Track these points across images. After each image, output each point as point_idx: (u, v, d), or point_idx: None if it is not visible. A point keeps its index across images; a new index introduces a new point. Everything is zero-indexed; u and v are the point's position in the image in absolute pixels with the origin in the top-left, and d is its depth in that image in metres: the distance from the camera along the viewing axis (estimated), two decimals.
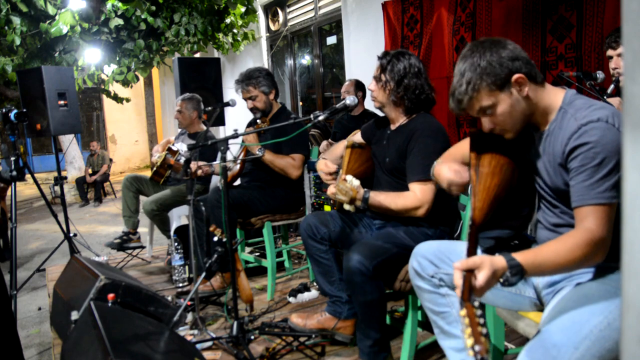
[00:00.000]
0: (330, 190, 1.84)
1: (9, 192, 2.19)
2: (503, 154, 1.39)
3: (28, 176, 3.11)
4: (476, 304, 0.97)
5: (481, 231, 1.32)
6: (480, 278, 1.09)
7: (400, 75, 1.92)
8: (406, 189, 1.88)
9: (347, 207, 1.75)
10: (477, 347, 0.87)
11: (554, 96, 1.30)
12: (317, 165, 2.13)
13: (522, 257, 1.13)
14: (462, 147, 1.60)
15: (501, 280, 1.12)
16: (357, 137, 2.26)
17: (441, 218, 1.96)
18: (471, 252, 1.20)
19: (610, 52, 2.08)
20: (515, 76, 1.24)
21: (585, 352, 1.06)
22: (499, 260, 1.13)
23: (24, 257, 4.91)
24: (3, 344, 1.95)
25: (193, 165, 2.91)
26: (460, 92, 1.28)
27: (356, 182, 1.72)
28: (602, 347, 1.08)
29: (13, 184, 2.31)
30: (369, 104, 3.93)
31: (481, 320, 0.92)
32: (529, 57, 1.29)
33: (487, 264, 1.10)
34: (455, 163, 1.52)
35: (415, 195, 1.83)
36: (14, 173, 2.06)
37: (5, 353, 1.95)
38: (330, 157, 2.24)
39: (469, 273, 1.09)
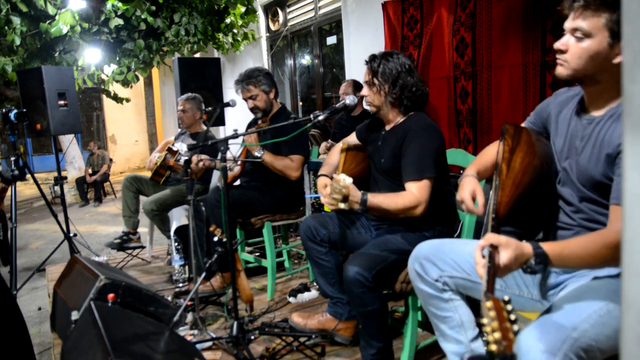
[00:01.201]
0: (325, 192, 1.82)
1: (8, 193, 2.19)
2: (537, 156, 1.36)
3: (28, 176, 3.11)
4: (506, 298, 0.87)
5: (502, 226, 1.30)
6: (504, 256, 1.07)
7: (394, 75, 1.91)
8: (403, 189, 1.87)
9: (341, 205, 1.73)
10: (504, 343, 0.77)
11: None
12: (318, 187, 2.12)
13: (549, 247, 1.12)
14: (493, 154, 1.56)
15: (524, 266, 1.11)
16: (352, 138, 2.26)
17: (438, 218, 1.95)
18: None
19: None
20: None
21: (582, 333, 1.06)
22: (525, 246, 1.11)
23: (24, 257, 4.91)
24: (16, 345, 1.97)
25: (194, 159, 2.91)
26: None
27: (349, 180, 1.70)
28: (600, 332, 1.07)
29: (14, 183, 2.31)
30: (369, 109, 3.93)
31: (512, 317, 0.82)
32: None
33: (513, 245, 1.09)
34: (479, 187, 1.49)
35: (413, 194, 1.82)
36: (16, 172, 2.07)
37: (17, 353, 1.97)
38: (328, 169, 2.19)
39: (494, 249, 1.07)
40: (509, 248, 1.08)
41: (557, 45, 1.22)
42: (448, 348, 1.56)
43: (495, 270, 1.04)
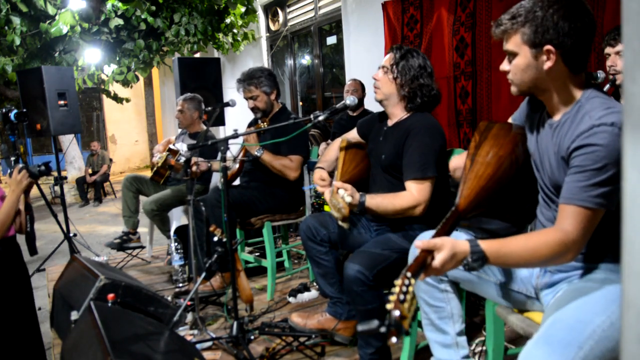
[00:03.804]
0: (326, 196, 1.82)
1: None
2: (504, 147, 1.37)
3: None
4: (413, 281, 0.99)
5: (462, 219, 1.33)
6: (437, 259, 1.12)
7: (416, 72, 1.92)
8: (402, 186, 1.87)
9: (341, 223, 1.69)
10: (395, 312, 0.90)
11: (577, 88, 1.25)
12: (314, 179, 2.11)
13: (486, 245, 1.16)
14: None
15: (463, 263, 1.15)
16: (352, 134, 2.25)
17: (439, 218, 1.95)
18: (441, 234, 1.23)
19: (608, 50, 2.07)
20: (548, 47, 1.18)
21: (589, 352, 1.06)
22: (462, 245, 1.15)
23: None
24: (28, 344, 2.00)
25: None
26: (503, 20, 1.25)
27: (348, 199, 1.67)
28: (605, 347, 1.08)
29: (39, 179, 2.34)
30: (368, 105, 3.93)
31: (404, 289, 0.95)
32: (594, 43, 1.22)
33: (448, 246, 1.13)
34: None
35: (412, 195, 1.82)
36: (42, 168, 2.10)
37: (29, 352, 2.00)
38: (326, 163, 2.20)
39: (426, 253, 1.12)
40: (443, 249, 1.13)
41: (500, 68, 1.32)
42: (433, 337, 1.59)
43: (419, 266, 1.08)
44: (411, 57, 1.93)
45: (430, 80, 1.95)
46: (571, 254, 1.16)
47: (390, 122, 2.03)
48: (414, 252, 1.56)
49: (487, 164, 1.34)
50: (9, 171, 2.02)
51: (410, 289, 0.95)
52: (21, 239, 2.14)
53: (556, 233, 1.16)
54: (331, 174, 2.16)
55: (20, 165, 2.00)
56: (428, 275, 1.15)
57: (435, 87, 1.97)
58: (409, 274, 0.99)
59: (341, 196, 1.65)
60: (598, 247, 1.26)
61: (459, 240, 1.15)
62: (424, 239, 1.15)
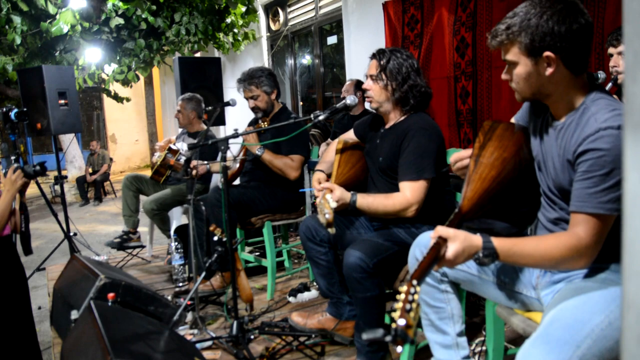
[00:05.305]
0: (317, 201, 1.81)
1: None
2: (508, 149, 1.37)
3: None
4: (418, 288, 0.99)
5: (466, 221, 1.33)
6: (451, 249, 1.13)
7: (404, 73, 1.90)
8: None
9: (327, 229, 1.66)
10: (402, 322, 0.89)
11: (580, 90, 1.24)
12: (312, 181, 2.10)
13: (499, 242, 1.17)
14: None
15: (474, 257, 1.17)
16: (349, 134, 2.24)
17: (438, 219, 1.95)
18: None
19: (611, 50, 2.07)
20: (547, 53, 1.18)
21: (586, 350, 1.06)
22: (475, 239, 1.16)
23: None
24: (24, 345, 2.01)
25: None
26: (498, 31, 1.24)
27: (333, 204, 1.64)
28: (602, 346, 1.08)
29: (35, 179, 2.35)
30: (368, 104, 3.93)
31: (410, 297, 0.95)
32: (591, 43, 1.22)
33: (462, 238, 1.15)
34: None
35: (405, 196, 1.80)
36: (37, 168, 2.11)
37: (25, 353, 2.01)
38: (325, 165, 2.19)
39: (440, 242, 1.13)
40: (456, 241, 1.14)
41: (502, 77, 1.33)
42: (433, 338, 1.59)
43: (431, 261, 1.09)
44: (396, 58, 1.91)
45: (419, 78, 1.93)
46: (585, 260, 1.17)
47: (387, 125, 2.03)
48: (413, 253, 1.56)
49: (491, 166, 1.34)
50: (3, 171, 2.03)
51: (416, 297, 0.95)
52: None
53: (569, 238, 1.16)
54: (330, 175, 2.15)
55: (15, 165, 2.01)
56: (441, 266, 1.17)
57: (424, 84, 1.95)
58: (414, 282, 0.98)
59: (327, 200, 1.62)
60: (603, 249, 1.26)
61: (472, 235, 1.17)
62: (434, 231, 1.17)
